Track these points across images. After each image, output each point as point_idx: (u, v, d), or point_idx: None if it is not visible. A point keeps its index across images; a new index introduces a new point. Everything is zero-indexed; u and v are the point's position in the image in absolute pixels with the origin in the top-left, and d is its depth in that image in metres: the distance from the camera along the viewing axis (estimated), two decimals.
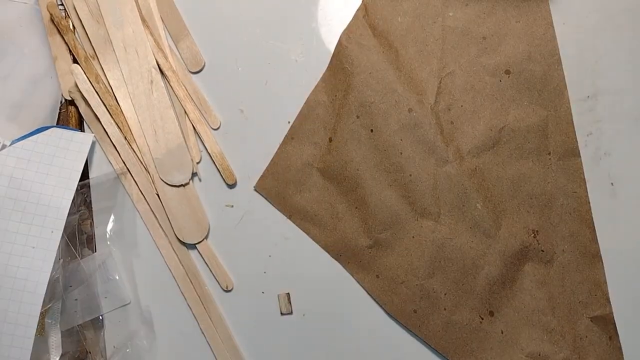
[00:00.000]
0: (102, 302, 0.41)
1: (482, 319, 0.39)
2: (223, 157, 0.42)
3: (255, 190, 0.41)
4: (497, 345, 0.39)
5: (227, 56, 0.43)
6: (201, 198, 0.42)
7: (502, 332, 0.39)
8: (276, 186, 0.41)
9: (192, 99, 0.43)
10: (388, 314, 0.40)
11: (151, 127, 0.41)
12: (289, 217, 0.41)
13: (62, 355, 0.39)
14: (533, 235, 0.39)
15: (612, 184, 0.40)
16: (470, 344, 0.39)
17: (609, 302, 0.39)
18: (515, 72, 0.40)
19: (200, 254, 0.41)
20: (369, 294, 0.40)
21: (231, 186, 0.42)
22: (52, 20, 0.43)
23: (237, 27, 0.43)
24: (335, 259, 0.41)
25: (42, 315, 0.39)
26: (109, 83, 0.42)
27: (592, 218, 0.39)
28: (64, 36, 0.43)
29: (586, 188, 0.39)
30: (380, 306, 0.40)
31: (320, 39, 0.42)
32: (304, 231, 0.41)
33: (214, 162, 0.42)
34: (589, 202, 0.39)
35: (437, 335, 0.39)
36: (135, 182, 0.42)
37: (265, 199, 0.41)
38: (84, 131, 0.43)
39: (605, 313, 0.38)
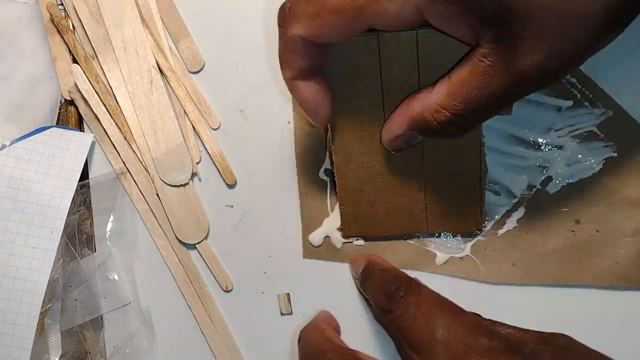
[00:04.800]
0: (101, 302, 0.41)
1: (574, 231, 0.39)
2: (223, 157, 0.42)
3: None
4: (600, 244, 0.39)
5: (227, 56, 0.43)
6: (201, 198, 0.42)
7: (597, 231, 0.39)
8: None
9: (192, 99, 0.43)
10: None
11: (151, 127, 0.41)
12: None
13: (61, 356, 0.39)
14: None
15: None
16: (579, 259, 0.39)
17: None
18: None
19: (200, 254, 0.41)
20: (467, 279, 0.40)
21: (231, 186, 0.42)
22: (52, 20, 0.43)
23: (237, 27, 0.43)
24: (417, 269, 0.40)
25: (42, 315, 0.39)
26: (108, 83, 0.42)
27: None
28: (63, 36, 0.43)
29: None
30: (483, 282, 0.40)
31: None
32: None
33: (214, 162, 0.42)
34: None
35: (545, 273, 0.39)
36: (135, 182, 0.42)
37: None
38: (83, 131, 0.43)
39: None
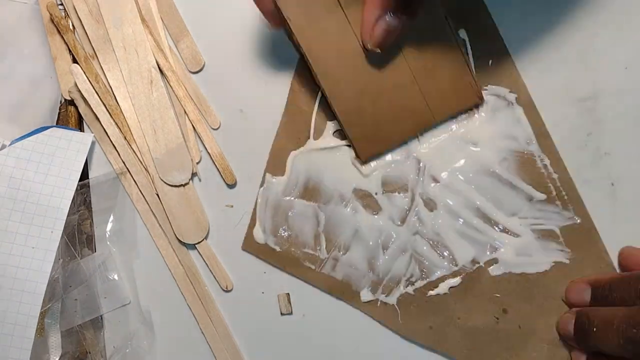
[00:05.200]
0: (101, 302, 0.41)
1: (498, 318, 0.39)
2: (223, 157, 0.42)
3: None
4: (518, 340, 0.39)
5: (227, 56, 0.43)
6: (201, 198, 0.42)
7: (519, 327, 0.39)
8: None
9: (192, 99, 0.43)
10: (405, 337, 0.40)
11: (151, 127, 0.41)
12: None
13: (61, 356, 0.39)
14: None
15: (612, 184, 0.40)
16: (492, 346, 0.39)
17: (615, 269, 0.39)
18: None
19: (200, 254, 0.41)
20: (382, 324, 0.40)
21: (231, 186, 0.42)
22: (52, 20, 0.43)
23: (237, 27, 0.43)
24: (340, 298, 0.40)
25: (42, 315, 0.39)
26: (108, 83, 0.42)
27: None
28: (63, 36, 0.43)
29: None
30: (396, 333, 0.40)
31: None
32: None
33: (214, 162, 0.42)
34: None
35: (457, 346, 0.39)
36: (135, 182, 0.42)
37: None
38: (83, 131, 0.43)
39: None
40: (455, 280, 0.40)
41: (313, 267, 0.40)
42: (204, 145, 0.42)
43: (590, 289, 0.37)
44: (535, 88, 0.40)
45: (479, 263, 0.40)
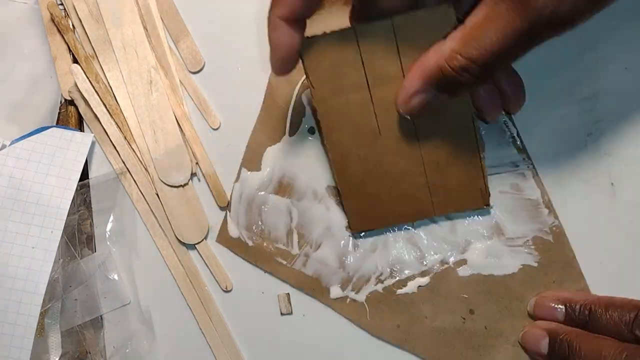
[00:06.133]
0: (101, 302, 0.41)
1: (464, 319, 0.39)
2: (217, 179, 0.42)
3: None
4: (483, 341, 0.39)
5: (227, 56, 0.43)
6: (201, 198, 0.42)
7: (485, 328, 0.39)
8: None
9: (192, 99, 0.43)
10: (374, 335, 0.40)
11: (150, 127, 0.41)
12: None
13: (61, 355, 0.39)
14: None
15: (612, 184, 0.40)
16: (458, 346, 0.39)
17: (583, 277, 0.39)
18: None
19: (200, 254, 0.41)
20: (351, 321, 0.40)
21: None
22: (52, 20, 0.43)
23: (237, 27, 0.43)
24: (310, 294, 0.40)
25: (42, 315, 0.39)
26: (108, 83, 0.42)
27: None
28: (64, 36, 0.43)
29: None
30: (365, 330, 0.40)
31: None
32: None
33: (207, 184, 0.42)
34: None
35: (423, 345, 0.39)
36: (135, 182, 0.42)
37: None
38: (83, 131, 0.43)
39: (580, 287, 0.39)
40: (424, 280, 0.40)
41: (285, 262, 0.40)
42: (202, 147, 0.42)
43: (563, 307, 0.36)
44: (535, 88, 0.40)
45: (448, 263, 0.40)
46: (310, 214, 0.41)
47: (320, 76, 0.35)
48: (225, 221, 0.41)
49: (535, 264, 0.39)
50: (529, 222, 0.40)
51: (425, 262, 0.40)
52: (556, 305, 0.37)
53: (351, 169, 0.38)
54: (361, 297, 0.40)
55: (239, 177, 0.41)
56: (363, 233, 0.40)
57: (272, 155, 0.41)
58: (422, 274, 0.40)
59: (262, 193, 0.41)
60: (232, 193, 0.41)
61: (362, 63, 0.35)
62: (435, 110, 0.34)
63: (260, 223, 0.41)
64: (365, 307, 0.40)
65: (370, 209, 0.39)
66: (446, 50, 0.30)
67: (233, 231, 0.41)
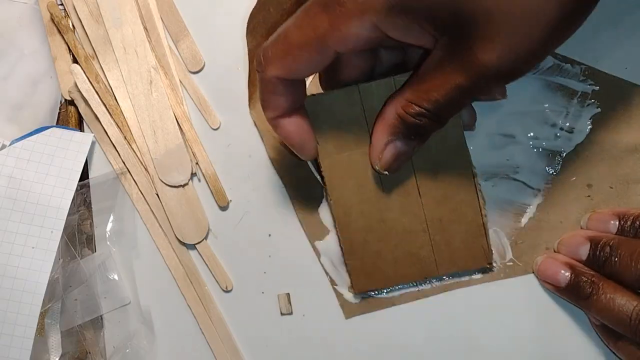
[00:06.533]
0: (101, 302, 0.41)
1: (589, 196, 0.39)
2: (217, 179, 0.42)
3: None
4: (617, 199, 0.39)
5: (227, 56, 0.43)
6: (201, 198, 0.42)
7: (611, 187, 0.39)
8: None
9: (192, 99, 0.43)
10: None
11: (150, 127, 0.41)
12: None
13: (61, 356, 0.39)
14: None
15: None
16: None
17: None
18: None
19: (200, 254, 0.41)
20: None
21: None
22: (52, 20, 0.43)
23: (237, 27, 0.43)
24: None
25: (42, 315, 0.39)
26: (108, 83, 0.42)
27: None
28: (63, 36, 0.43)
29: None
30: None
31: None
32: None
33: (208, 184, 0.42)
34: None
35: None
36: (135, 182, 0.42)
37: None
38: (83, 131, 0.43)
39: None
40: (538, 199, 0.40)
41: None
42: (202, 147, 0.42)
43: (617, 221, 0.37)
44: None
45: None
46: None
47: (325, 133, 0.36)
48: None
49: (599, 109, 0.40)
50: None
51: (535, 188, 0.40)
52: (610, 219, 0.37)
53: (354, 225, 0.38)
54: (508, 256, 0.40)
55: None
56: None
57: None
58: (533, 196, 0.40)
59: None
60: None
61: (366, 120, 0.36)
62: (409, 160, 0.35)
63: None
64: (516, 262, 0.40)
65: (373, 267, 0.38)
66: (401, 100, 0.32)
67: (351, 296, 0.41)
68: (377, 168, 0.35)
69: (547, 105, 0.40)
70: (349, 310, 0.40)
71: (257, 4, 0.40)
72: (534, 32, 0.28)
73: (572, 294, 0.37)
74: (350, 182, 0.37)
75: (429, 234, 0.38)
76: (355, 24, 0.29)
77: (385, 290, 0.40)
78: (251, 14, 0.40)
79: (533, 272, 0.39)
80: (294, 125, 0.34)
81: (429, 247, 0.38)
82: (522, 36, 0.28)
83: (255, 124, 0.42)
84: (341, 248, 0.39)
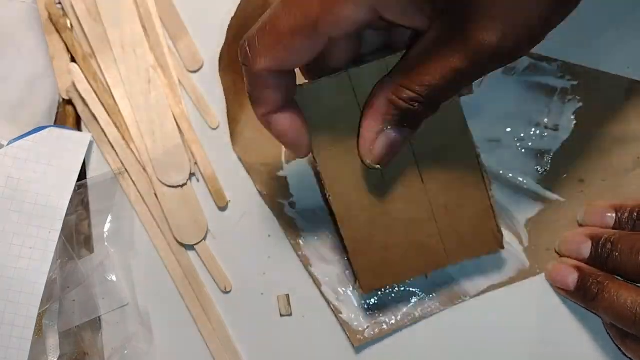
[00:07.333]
0: (100, 303, 0.41)
1: (582, 191, 0.39)
2: (215, 179, 0.41)
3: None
4: (611, 190, 0.39)
5: None
6: (199, 199, 0.42)
7: (603, 180, 0.39)
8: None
9: (191, 99, 0.42)
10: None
11: (149, 127, 0.41)
12: None
13: (59, 357, 0.39)
14: None
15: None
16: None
17: None
18: None
19: (199, 255, 0.41)
20: None
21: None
22: (50, 19, 0.43)
23: None
24: None
25: (40, 316, 0.39)
26: (106, 82, 0.42)
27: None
28: (62, 35, 0.42)
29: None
30: None
31: None
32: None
33: (206, 184, 0.41)
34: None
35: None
36: (133, 182, 0.42)
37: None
38: (81, 131, 0.42)
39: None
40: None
41: None
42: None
43: (614, 214, 0.37)
44: None
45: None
46: None
47: (317, 125, 0.33)
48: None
49: (580, 104, 0.40)
50: None
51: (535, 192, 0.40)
52: (607, 212, 0.37)
53: (357, 220, 0.36)
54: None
55: None
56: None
57: None
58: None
59: None
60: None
61: (359, 107, 0.33)
62: (402, 150, 0.32)
63: None
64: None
65: (380, 263, 0.36)
66: (392, 85, 0.30)
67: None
68: (368, 162, 0.32)
69: (528, 106, 0.40)
70: (357, 340, 0.39)
71: (225, 42, 0.39)
72: (534, 7, 0.27)
73: (581, 296, 0.36)
74: (348, 175, 0.35)
75: (435, 221, 0.36)
76: (349, 5, 0.28)
77: (393, 292, 0.40)
78: (221, 53, 0.39)
79: (546, 279, 0.39)
80: (288, 120, 0.32)
81: (436, 235, 0.36)
82: (522, 13, 0.27)
83: (241, 160, 0.41)
84: (345, 249, 0.37)
